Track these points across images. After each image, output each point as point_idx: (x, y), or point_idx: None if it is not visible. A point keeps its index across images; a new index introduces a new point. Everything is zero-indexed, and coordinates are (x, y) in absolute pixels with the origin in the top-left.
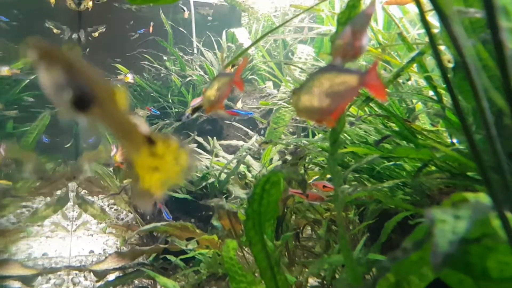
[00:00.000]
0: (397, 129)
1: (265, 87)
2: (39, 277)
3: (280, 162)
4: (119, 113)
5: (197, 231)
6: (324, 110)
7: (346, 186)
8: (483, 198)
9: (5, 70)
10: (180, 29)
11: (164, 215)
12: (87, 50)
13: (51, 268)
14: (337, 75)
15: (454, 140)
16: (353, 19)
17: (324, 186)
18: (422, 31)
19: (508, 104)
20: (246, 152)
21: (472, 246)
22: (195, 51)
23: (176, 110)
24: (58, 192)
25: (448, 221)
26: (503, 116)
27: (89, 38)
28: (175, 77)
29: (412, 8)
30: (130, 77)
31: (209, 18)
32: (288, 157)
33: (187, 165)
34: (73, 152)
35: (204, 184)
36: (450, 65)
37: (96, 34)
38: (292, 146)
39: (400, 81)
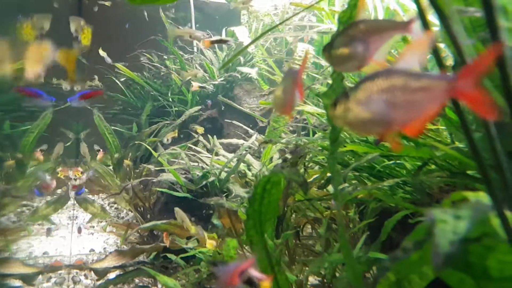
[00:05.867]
0: None
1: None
2: (40, 276)
3: (280, 161)
4: None
5: None
6: (392, 123)
7: (346, 184)
8: (483, 197)
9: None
10: (180, 28)
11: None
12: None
13: (52, 267)
14: (411, 80)
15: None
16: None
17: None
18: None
19: (507, 102)
20: (246, 150)
21: (472, 245)
22: (195, 49)
23: (176, 108)
24: (59, 191)
25: (448, 221)
26: (502, 114)
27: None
28: (175, 75)
29: (412, 6)
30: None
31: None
32: (288, 156)
33: None
34: (73, 151)
35: (204, 182)
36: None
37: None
38: (292, 145)
39: None
